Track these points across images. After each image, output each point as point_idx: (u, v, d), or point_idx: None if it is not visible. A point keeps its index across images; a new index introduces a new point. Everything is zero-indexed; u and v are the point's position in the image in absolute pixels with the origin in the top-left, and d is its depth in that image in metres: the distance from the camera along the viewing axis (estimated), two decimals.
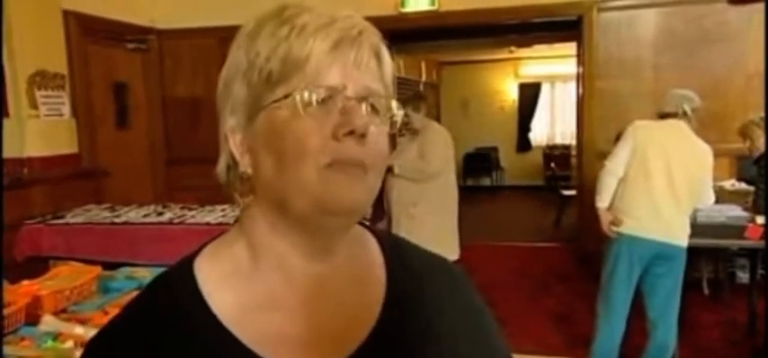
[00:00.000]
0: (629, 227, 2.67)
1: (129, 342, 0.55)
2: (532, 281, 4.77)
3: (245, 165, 0.56)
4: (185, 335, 0.54)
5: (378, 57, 0.56)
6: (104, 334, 0.58)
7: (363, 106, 0.53)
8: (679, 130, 2.70)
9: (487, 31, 5.83)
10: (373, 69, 0.55)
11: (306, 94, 0.52)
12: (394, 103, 0.57)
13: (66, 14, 4.00)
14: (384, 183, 3.91)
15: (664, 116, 2.73)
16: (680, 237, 2.68)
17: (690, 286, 3.89)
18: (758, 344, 3.23)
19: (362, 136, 0.52)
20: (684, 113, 2.69)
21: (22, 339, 1.51)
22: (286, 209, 0.54)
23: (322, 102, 0.52)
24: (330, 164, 0.52)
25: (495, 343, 0.67)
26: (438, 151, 3.49)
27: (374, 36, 0.56)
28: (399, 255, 0.64)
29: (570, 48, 5.47)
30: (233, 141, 0.56)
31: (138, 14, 4.71)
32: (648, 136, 2.68)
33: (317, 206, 0.52)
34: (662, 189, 2.63)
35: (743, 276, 4.08)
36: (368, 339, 0.57)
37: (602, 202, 2.77)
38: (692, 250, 3.19)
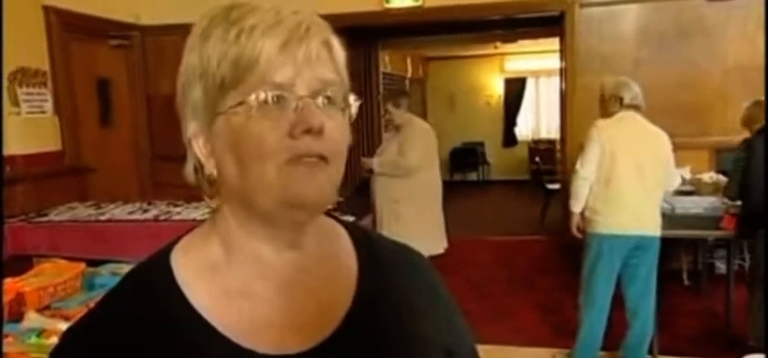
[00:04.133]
0: (607, 226, 2.74)
1: (107, 331, 0.56)
2: (519, 273, 4.82)
3: (210, 168, 0.57)
4: (163, 323, 0.55)
5: (328, 47, 0.57)
6: (83, 323, 0.58)
7: (319, 99, 0.54)
8: (638, 121, 2.76)
9: (472, 27, 5.87)
10: (325, 61, 0.56)
11: (259, 96, 0.53)
12: (351, 96, 0.58)
13: (47, 10, 3.96)
14: (369, 179, 3.97)
15: (629, 107, 2.77)
16: (654, 227, 2.76)
17: (670, 276, 3.98)
18: (735, 334, 3.31)
19: (319, 131, 0.53)
20: (638, 106, 2.77)
21: (6, 336, 1.51)
22: (251, 206, 0.56)
23: (276, 101, 0.53)
24: (289, 160, 0.53)
25: (459, 328, 0.70)
26: (416, 146, 3.52)
27: (323, 29, 0.56)
28: (370, 247, 0.66)
29: (554, 43, 5.52)
30: (197, 145, 0.57)
31: (120, 10, 4.67)
32: (614, 134, 2.73)
33: (281, 202, 0.54)
34: (634, 184, 2.70)
35: (721, 267, 4.17)
36: (340, 326, 0.59)
37: (577, 208, 2.85)
38: (671, 241, 3.25)
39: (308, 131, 0.53)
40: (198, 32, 0.56)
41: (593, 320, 2.86)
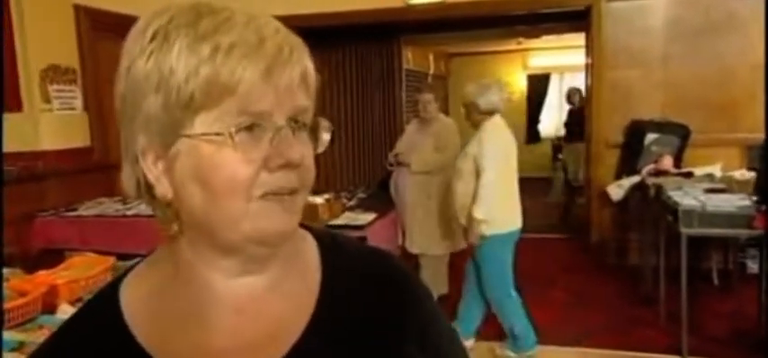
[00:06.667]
0: (505, 225, 2.94)
1: None
2: (540, 271, 4.76)
3: (163, 189, 0.52)
4: None
5: (305, 74, 0.53)
6: None
7: (292, 129, 0.51)
8: (503, 123, 3.00)
9: (495, 22, 5.81)
10: (302, 88, 0.53)
11: (239, 126, 0.48)
12: (325, 122, 0.55)
13: (77, 8, 4.05)
14: (391, 174, 3.99)
15: (492, 112, 2.94)
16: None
17: (699, 276, 3.89)
18: (765, 336, 3.22)
19: (297, 165, 0.51)
20: (497, 110, 2.97)
21: (41, 327, 1.55)
22: (214, 238, 0.52)
23: (250, 129, 0.49)
24: (263, 195, 0.50)
25: (435, 335, 0.64)
26: (454, 143, 3.61)
27: (303, 54, 0.53)
28: (336, 255, 0.63)
29: (579, 38, 5.43)
30: (144, 162, 0.52)
31: (144, 8, 4.73)
32: (503, 139, 2.94)
33: (250, 238, 0.51)
34: (514, 182, 3.01)
35: (753, 266, 4.06)
36: (294, 347, 0.55)
37: (483, 213, 2.86)
38: (701, 240, 3.19)
39: (286, 165, 0.50)
40: (150, 33, 0.50)
41: (482, 308, 3.16)
